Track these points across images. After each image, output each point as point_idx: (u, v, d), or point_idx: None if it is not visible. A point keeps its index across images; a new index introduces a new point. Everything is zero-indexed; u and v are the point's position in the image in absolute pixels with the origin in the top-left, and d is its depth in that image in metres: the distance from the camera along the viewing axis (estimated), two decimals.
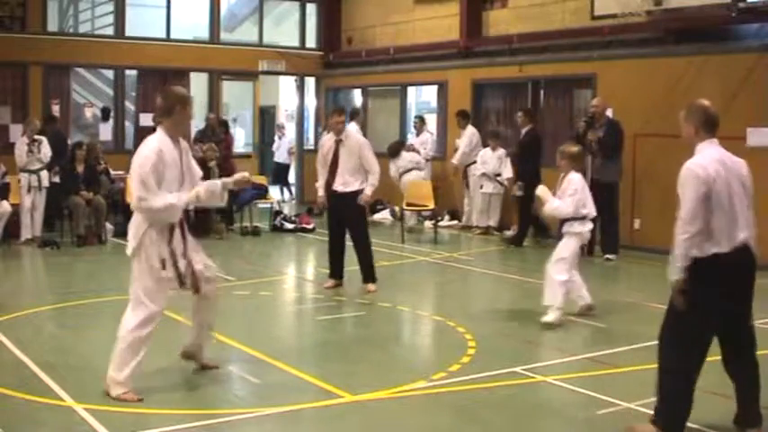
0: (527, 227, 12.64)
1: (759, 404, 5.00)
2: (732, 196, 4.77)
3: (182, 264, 5.67)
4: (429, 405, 5.61)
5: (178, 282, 5.67)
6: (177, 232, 5.68)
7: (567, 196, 7.69)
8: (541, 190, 7.92)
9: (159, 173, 5.54)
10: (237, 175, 6.09)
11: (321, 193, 9.31)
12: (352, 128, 14.62)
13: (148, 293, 5.57)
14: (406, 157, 14.69)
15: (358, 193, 8.97)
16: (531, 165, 12.52)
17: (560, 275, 7.66)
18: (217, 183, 6.00)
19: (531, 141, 12.79)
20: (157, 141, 5.65)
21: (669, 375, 4.84)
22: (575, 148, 8.08)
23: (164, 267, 5.58)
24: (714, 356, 4.94)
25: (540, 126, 13.41)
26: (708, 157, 4.79)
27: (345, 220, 9.15)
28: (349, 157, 8.97)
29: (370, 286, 9.14)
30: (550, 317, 7.59)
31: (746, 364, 4.98)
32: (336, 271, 9.33)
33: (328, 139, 9.18)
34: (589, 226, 7.89)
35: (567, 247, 7.76)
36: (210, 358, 6.28)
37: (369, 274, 9.20)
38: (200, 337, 6.16)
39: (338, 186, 8.99)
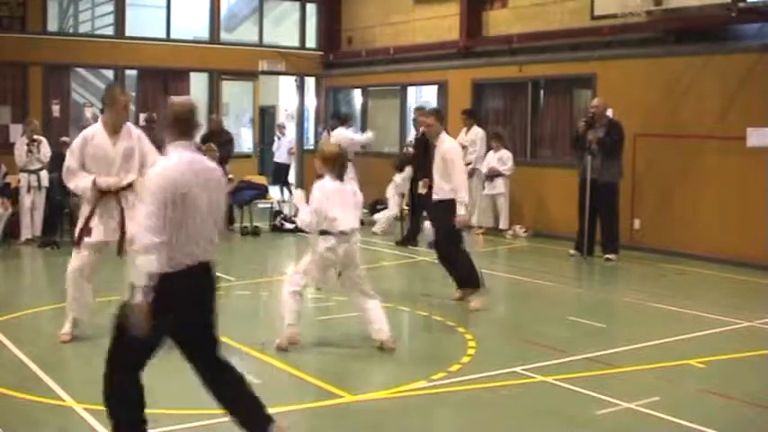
0: (418, 227, 12.59)
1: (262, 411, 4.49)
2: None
3: (102, 229, 6.80)
4: (429, 405, 5.61)
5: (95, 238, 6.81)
6: (109, 204, 6.75)
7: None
8: (297, 196, 6.91)
9: (84, 155, 6.73)
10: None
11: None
12: (347, 133, 14.17)
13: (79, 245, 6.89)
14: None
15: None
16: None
17: (289, 286, 6.77)
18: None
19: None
20: (90, 129, 6.89)
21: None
22: (328, 149, 6.69)
23: (84, 227, 6.81)
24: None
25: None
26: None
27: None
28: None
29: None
30: (278, 340, 6.73)
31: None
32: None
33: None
34: (329, 243, 6.49)
35: (305, 263, 6.79)
36: None
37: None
38: None
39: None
